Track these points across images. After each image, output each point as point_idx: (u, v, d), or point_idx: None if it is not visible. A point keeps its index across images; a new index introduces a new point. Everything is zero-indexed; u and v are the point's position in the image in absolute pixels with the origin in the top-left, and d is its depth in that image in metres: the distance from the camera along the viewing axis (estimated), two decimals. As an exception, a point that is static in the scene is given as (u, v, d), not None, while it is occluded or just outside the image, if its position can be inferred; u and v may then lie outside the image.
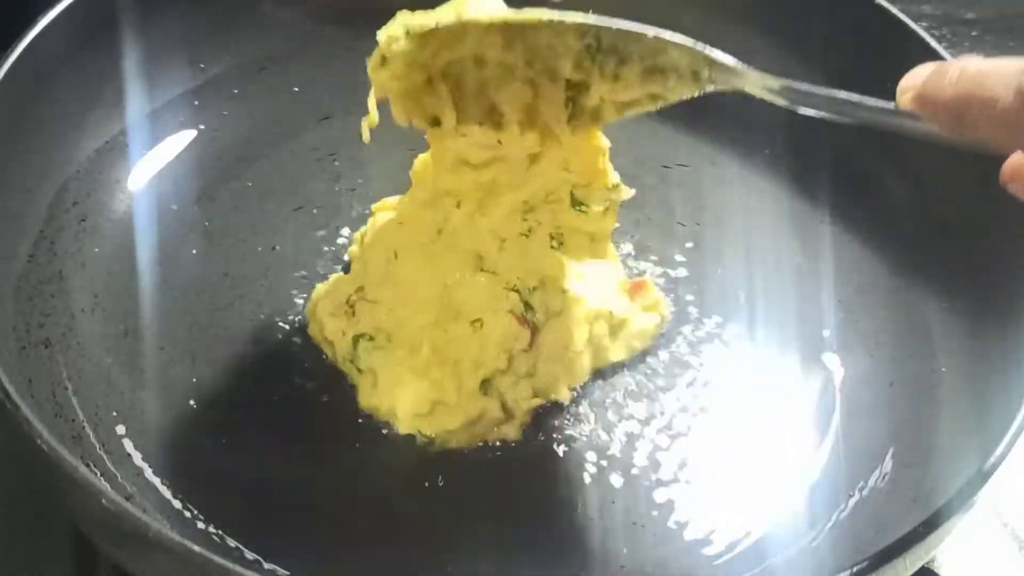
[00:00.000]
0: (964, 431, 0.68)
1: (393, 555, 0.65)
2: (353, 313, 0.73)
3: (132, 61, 0.81)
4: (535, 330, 0.72)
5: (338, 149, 0.86)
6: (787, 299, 0.79)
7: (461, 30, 0.65)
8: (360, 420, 0.71)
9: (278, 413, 0.70)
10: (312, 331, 0.74)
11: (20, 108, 0.73)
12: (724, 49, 0.61)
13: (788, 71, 0.88)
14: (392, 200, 0.79)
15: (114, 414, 0.69)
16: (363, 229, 0.79)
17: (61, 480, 0.57)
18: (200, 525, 0.65)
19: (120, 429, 0.68)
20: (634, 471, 0.69)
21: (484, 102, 0.68)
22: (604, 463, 0.70)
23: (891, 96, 0.56)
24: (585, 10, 0.65)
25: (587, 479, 0.69)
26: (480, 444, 0.70)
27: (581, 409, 0.73)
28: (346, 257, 0.79)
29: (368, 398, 0.71)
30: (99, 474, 0.65)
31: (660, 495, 0.68)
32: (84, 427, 0.67)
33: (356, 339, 0.72)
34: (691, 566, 0.66)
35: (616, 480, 0.69)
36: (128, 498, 0.64)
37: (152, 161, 0.83)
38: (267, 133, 0.86)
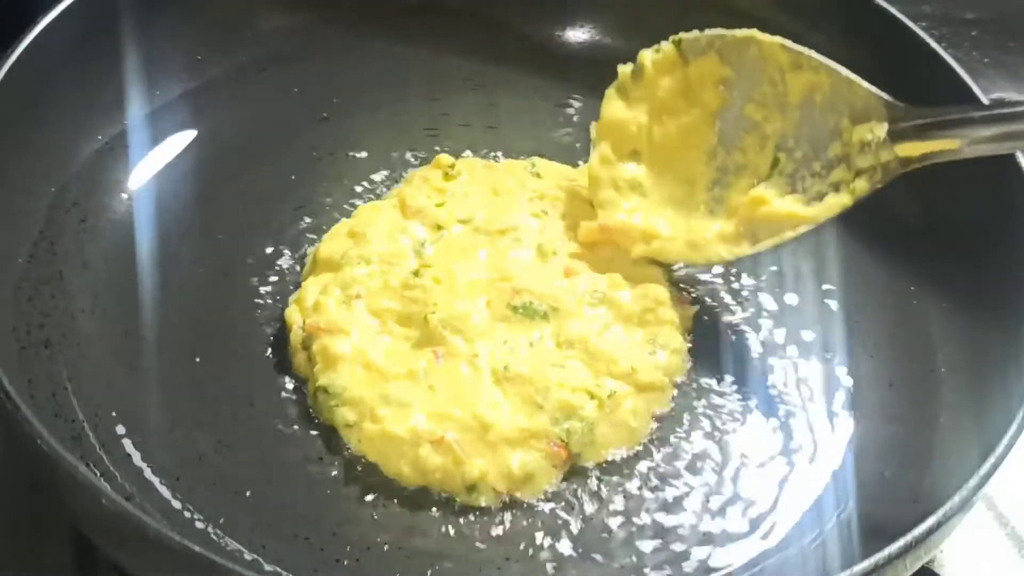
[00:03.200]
0: (964, 431, 0.68)
1: (392, 555, 0.65)
2: (309, 358, 0.71)
3: (132, 61, 0.81)
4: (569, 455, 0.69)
5: (338, 149, 0.86)
6: (787, 300, 0.79)
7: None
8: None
9: (279, 413, 0.70)
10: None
11: (20, 108, 0.74)
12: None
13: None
14: (377, 204, 0.79)
15: (114, 414, 0.69)
16: (341, 224, 0.78)
17: (61, 480, 0.57)
18: (200, 525, 0.65)
19: (120, 429, 0.68)
20: (632, 471, 0.69)
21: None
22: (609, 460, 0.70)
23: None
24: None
25: (592, 482, 0.69)
26: None
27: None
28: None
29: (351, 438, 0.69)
30: (99, 474, 0.65)
31: (662, 495, 0.68)
32: (84, 427, 0.68)
33: (316, 390, 0.70)
34: (691, 566, 0.66)
35: (617, 482, 0.69)
36: (128, 498, 0.64)
37: (152, 161, 0.83)
38: (267, 133, 0.86)
